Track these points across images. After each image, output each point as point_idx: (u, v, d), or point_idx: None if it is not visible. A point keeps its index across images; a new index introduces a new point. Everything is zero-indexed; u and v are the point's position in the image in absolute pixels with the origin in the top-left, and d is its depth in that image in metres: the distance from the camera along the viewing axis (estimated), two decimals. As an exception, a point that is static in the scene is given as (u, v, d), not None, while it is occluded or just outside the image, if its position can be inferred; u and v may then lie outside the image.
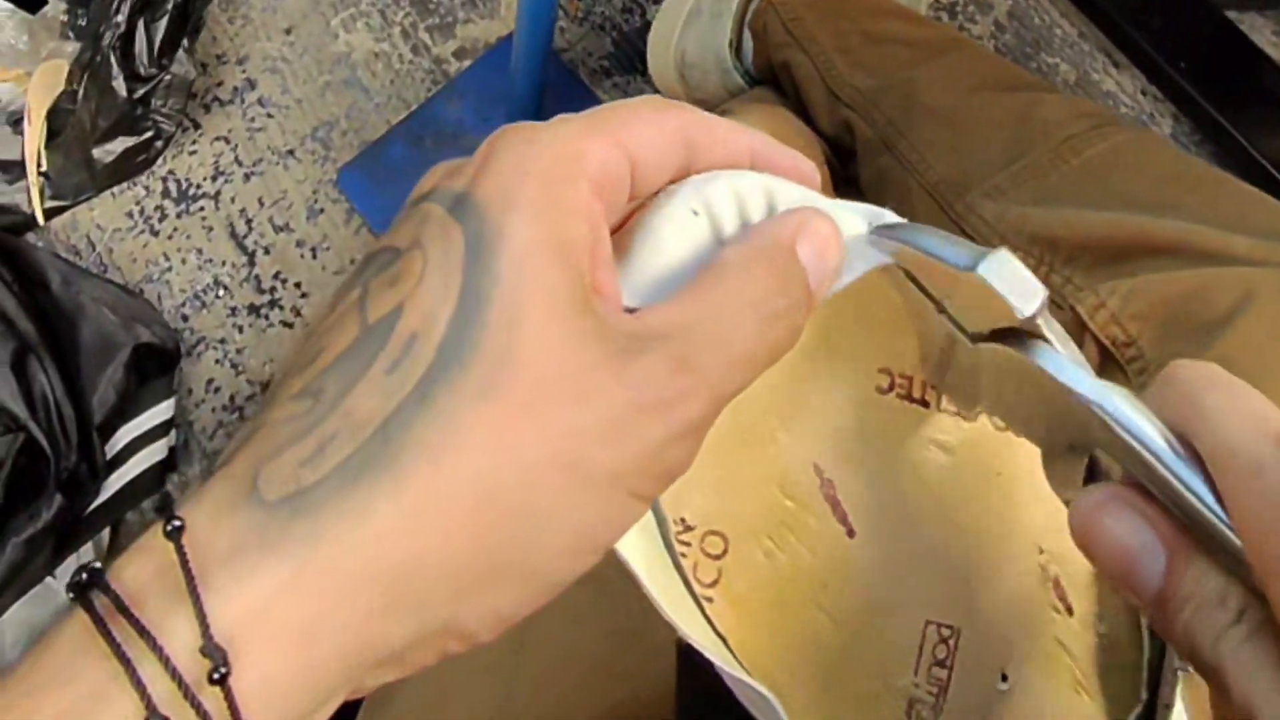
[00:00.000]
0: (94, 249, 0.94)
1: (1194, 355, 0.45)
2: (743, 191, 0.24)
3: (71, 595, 0.18)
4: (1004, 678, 0.27)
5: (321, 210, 0.98)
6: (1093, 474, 0.23)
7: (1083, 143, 0.58)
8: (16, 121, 0.88)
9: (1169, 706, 0.21)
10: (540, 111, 0.93)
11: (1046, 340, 0.23)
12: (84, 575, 0.18)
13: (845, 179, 0.73)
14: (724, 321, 0.21)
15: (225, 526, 0.18)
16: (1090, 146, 0.58)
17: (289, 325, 0.94)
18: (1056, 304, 0.52)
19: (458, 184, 0.21)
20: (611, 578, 0.37)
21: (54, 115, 0.87)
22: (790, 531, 0.26)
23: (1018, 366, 0.23)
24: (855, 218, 0.27)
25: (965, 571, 0.27)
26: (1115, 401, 0.21)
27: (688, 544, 0.25)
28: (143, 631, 0.17)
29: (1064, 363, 0.22)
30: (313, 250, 0.96)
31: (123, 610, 0.17)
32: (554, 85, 1.00)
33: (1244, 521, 0.19)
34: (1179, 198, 0.53)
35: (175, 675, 0.17)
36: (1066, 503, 0.23)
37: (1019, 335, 0.23)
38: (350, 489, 0.18)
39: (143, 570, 0.18)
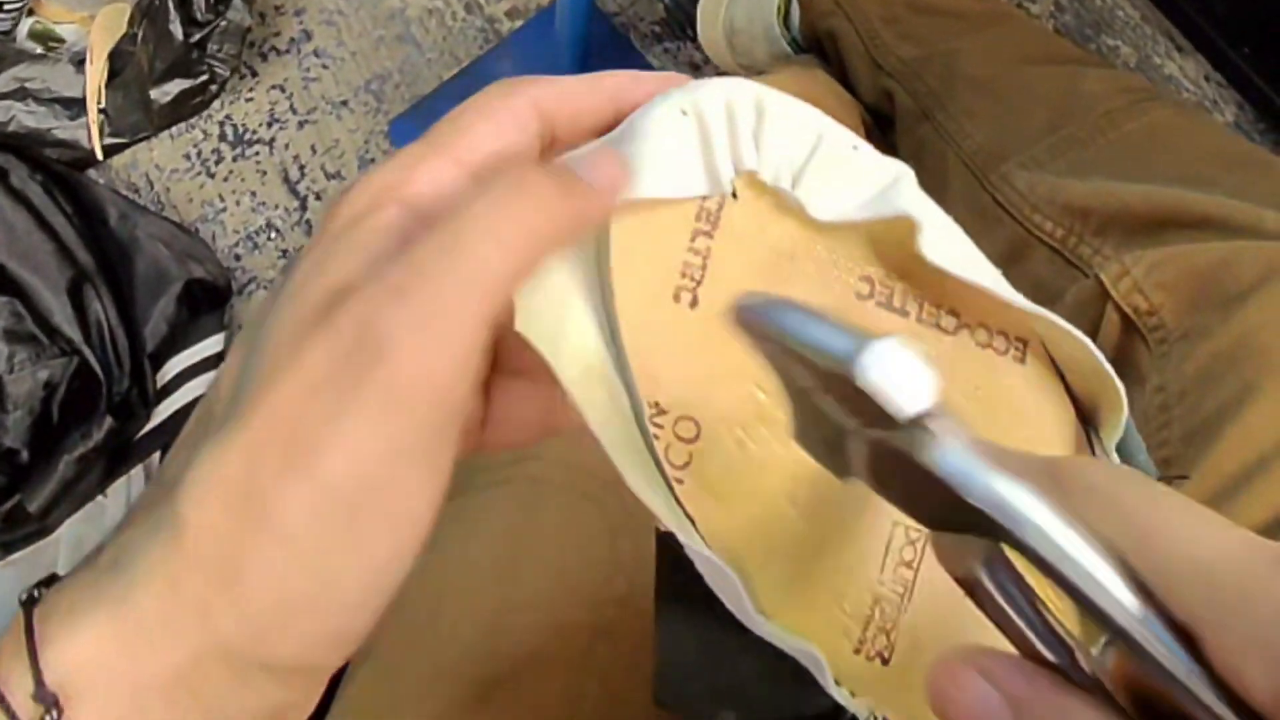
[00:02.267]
0: (152, 187, 0.97)
1: (1216, 326, 0.45)
2: (733, 99, 0.25)
3: None
4: None
5: (372, 159, 1.00)
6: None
7: (1123, 116, 0.58)
8: (80, 61, 0.91)
9: None
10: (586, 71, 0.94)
11: (934, 431, 0.20)
12: None
13: (886, 149, 0.73)
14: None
15: (67, 589, 0.20)
16: (1130, 120, 0.58)
17: (334, 271, 0.96)
18: (1082, 272, 0.52)
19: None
20: (606, 481, 0.38)
21: (115, 56, 0.90)
22: (763, 424, 0.26)
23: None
24: (873, 159, 0.28)
25: None
26: (1031, 510, 0.18)
27: (660, 426, 0.25)
28: None
29: (964, 458, 0.20)
30: (360, 199, 0.99)
31: None
32: (604, 48, 1.01)
33: (1247, 662, 0.16)
34: (1215, 174, 0.52)
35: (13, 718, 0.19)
36: (958, 580, 0.21)
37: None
38: (146, 544, 0.20)
39: (8, 638, 0.20)
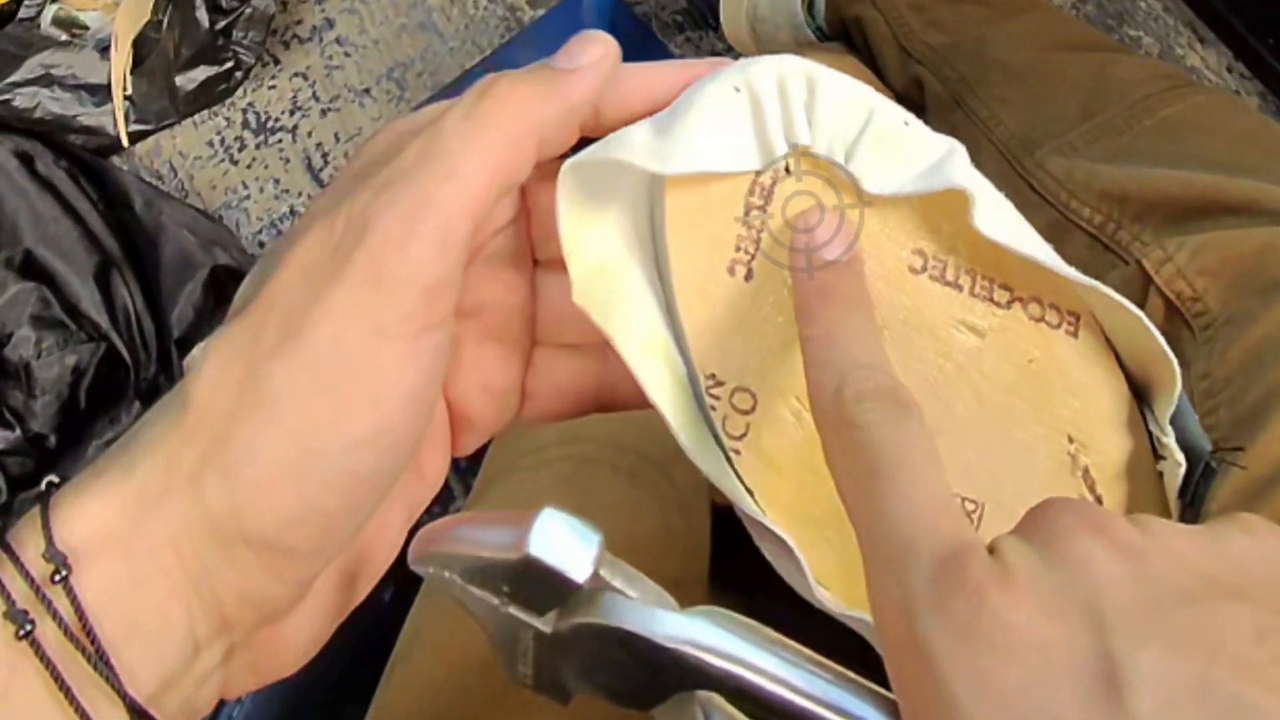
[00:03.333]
0: (176, 174, 0.98)
1: (1260, 312, 0.45)
2: (784, 73, 0.26)
3: None
4: None
5: (393, 149, 1.00)
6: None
7: (1159, 102, 0.58)
8: (105, 48, 0.91)
9: None
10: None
11: (614, 589, 0.22)
12: None
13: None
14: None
15: (84, 473, 0.22)
16: (1166, 106, 0.57)
17: (357, 259, 0.97)
18: (1122, 258, 0.52)
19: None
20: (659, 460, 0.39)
21: (140, 43, 0.89)
22: None
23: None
24: (924, 134, 0.28)
25: (991, 448, 0.27)
26: (711, 638, 0.21)
27: (717, 398, 0.26)
28: (5, 547, 0.21)
29: (634, 607, 0.21)
30: (383, 187, 0.99)
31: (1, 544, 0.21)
32: (626, 38, 1.00)
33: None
34: (1254, 159, 0.52)
35: (26, 575, 0.20)
36: None
37: (573, 592, 0.22)
38: (155, 423, 0.22)
39: (28, 516, 0.21)
